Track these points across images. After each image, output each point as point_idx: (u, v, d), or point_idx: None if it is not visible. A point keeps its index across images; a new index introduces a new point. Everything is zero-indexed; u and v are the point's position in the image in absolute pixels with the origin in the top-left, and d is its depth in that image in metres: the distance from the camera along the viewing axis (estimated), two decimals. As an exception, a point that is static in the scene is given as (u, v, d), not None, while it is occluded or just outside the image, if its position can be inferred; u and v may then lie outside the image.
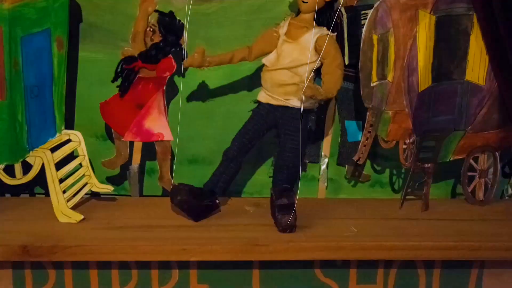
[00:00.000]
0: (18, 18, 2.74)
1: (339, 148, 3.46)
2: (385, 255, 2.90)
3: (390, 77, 2.91)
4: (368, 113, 3.08)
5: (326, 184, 3.45)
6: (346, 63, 3.03)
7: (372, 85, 3.00)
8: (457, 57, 3.02)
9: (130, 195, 3.38)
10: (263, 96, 3.00)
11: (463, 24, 2.99)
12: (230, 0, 3.18)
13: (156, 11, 3.08)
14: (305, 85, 2.72)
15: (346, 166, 3.47)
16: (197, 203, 2.71)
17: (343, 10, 3.06)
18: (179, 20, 3.09)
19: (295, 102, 2.93)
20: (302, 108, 2.91)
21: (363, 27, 3.01)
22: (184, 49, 3.12)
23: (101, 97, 3.31)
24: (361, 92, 3.02)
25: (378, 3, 2.90)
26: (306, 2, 2.81)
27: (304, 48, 2.84)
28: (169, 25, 3.08)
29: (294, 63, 2.84)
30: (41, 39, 2.95)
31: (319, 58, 2.84)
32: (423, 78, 2.94)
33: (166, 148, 3.25)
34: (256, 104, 3.13)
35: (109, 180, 3.47)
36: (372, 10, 2.93)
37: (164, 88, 3.20)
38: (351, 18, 3.06)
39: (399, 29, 2.87)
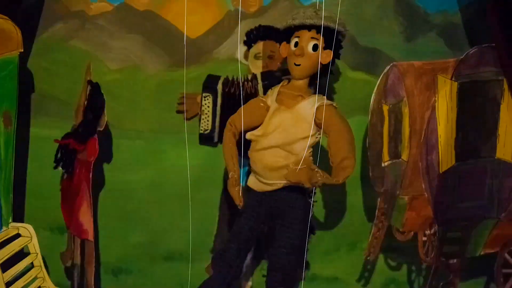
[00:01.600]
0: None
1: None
2: None
3: (404, 156, 2.75)
4: (379, 199, 2.86)
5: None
6: None
7: (383, 165, 2.83)
8: (485, 131, 2.82)
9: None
10: (253, 182, 2.63)
11: (492, 92, 2.79)
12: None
13: (88, 82, 2.88)
14: (317, 175, 2.37)
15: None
16: None
17: (258, 76, 2.90)
18: (102, 95, 2.88)
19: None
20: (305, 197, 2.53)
21: None
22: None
23: (57, 181, 3.01)
24: (370, 174, 2.84)
25: (388, 67, 2.76)
26: (299, 65, 2.50)
27: (299, 119, 2.50)
28: (93, 98, 2.88)
29: (288, 138, 2.49)
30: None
31: (316, 132, 2.50)
32: (445, 156, 2.77)
33: (90, 249, 2.93)
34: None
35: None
36: (381, 76, 2.80)
37: (90, 176, 2.90)
38: (268, 87, 2.79)
39: (414, 97, 2.72)
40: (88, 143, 2.84)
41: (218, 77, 2.93)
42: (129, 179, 3.11)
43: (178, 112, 2.98)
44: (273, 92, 2.55)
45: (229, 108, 2.86)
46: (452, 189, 2.80)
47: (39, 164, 3.07)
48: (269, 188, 2.53)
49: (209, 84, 2.94)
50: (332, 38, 2.40)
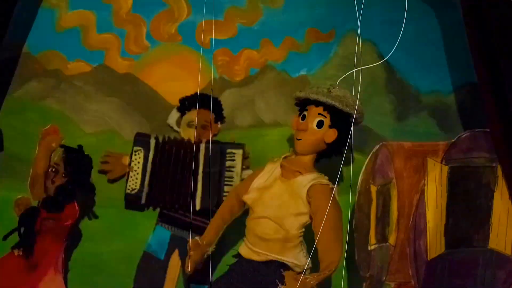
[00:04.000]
0: None
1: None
2: None
3: (392, 240, 2.66)
4: (364, 284, 2.76)
5: None
6: (197, 208, 2.84)
7: (369, 248, 2.74)
8: (477, 219, 2.73)
9: None
10: (244, 248, 2.60)
11: (484, 178, 2.72)
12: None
13: (62, 146, 2.78)
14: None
15: None
16: None
17: (203, 145, 2.86)
18: (88, 155, 2.83)
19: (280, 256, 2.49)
20: None
21: (227, 169, 2.88)
22: None
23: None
24: (356, 257, 2.75)
25: (377, 147, 2.72)
26: (300, 140, 2.52)
27: (294, 194, 2.50)
28: (77, 162, 2.79)
29: (280, 211, 2.48)
30: None
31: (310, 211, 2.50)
32: (434, 243, 2.68)
33: None
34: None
35: None
36: (370, 155, 2.74)
37: (65, 239, 2.79)
38: (212, 151, 2.86)
39: (403, 180, 2.66)
40: (66, 207, 2.74)
41: (148, 135, 2.87)
42: (100, 250, 2.97)
43: (101, 172, 2.88)
44: (278, 160, 2.58)
45: (161, 166, 2.81)
46: (441, 279, 2.71)
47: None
48: (256, 258, 2.50)
49: (141, 138, 2.86)
50: (341, 119, 2.43)
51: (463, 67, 2.94)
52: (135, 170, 2.83)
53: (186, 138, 2.88)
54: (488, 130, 2.69)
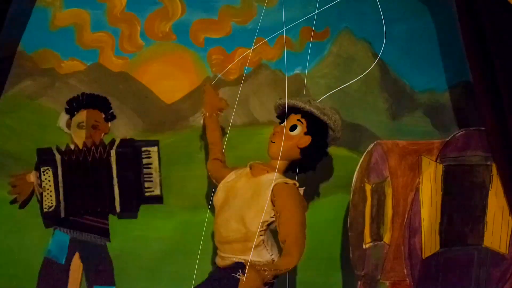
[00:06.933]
0: None
1: None
2: None
3: (386, 238, 2.66)
4: (359, 283, 2.74)
5: None
6: (117, 210, 2.90)
7: (364, 247, 2.73)
8: (472, 217, 2.73)
9: None
10: (216, 258, 2.58)
11: (479, 177, 2.72)
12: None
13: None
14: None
15: None
16: None
17: (117, 141, 2.89)
18: None
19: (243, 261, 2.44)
20: None
21: (145, 167, 2.91)
22: None
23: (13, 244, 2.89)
24: (351, 256, 2.75)
25: (372, 145, 2.71)
26: (274, 143, 2.51)
27: (257, 191, 2.47)
28: None
29: (244, 207, 2.45)
30: None
31: (272, 210, 2.44)
32: (429, 241, 2.69)
33: None
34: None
35: None
36: (364, 153, 2.75)
37: None
38: (125, 154, 2.87)
39: (398, 178, 2.66)
40: None
41: (49, 148, 2.85)
42: None
43: (12, 202, 2.87)
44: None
45: (73, 178, 2.81)
46: (436, 277, 2.72)
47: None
48: (222, 263, 2.49)
49: (45, 156, 2.84)
50: (317, 127, 2.44)
51: (458, 65, 2.94)
52: (48, 189, 2.83)
53: (76, 140, 2.87)
54: (483, 128, 2.69)
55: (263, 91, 3.02)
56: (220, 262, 2.50)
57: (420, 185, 2.66)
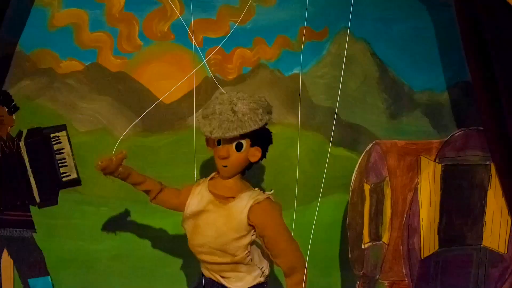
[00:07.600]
0: None
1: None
2: None
3: (385, 238, 2.67)
4: (358, 283, 2.76)
5: None
6: (37, 201, 2.93)
7: (363, 247, 2.74)
8: (471, 217, 2.74)
9: None
10: (203, 268, 2.47)
11: (478, 177, 2.73)
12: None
13: None
14: None
15: None
16: None
17: (24, 132, 2.89)
18: None
19: (234, 284, 2.39)
20: None
21: (57, 152, 2.91)
22: None
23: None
24: (350, 256, 2.76)
25: (371, 145, 2.72)
26: (226, 167, 2.31)
27: (231, 218, 2.32)
28: None
29: (220, 238, 2.32)
30: None
31: (251, 230, 2.32)
32: (427, 241, 2.70)
33: None
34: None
35: None
36: (363, 153, 2.75)
37: None
38: (35, 144, 2.88)
39: (397, 178, 2.67)
40: None
41: None
42: (92, 248, 2.95)
43: None
44: (204, 182, 2.42)
45: None
46: (435, 277, 2.74)
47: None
48: (210, 275, 2.44)
49: None
50: (259, 133, 2.25)
51: (457, 65, 2.94)
52: None
53: None
54: (482, 128, 2.69)
55: (261, 91, 2.97)
56: (208, 274, 2.42)
57: (419, 185, 2.66)
